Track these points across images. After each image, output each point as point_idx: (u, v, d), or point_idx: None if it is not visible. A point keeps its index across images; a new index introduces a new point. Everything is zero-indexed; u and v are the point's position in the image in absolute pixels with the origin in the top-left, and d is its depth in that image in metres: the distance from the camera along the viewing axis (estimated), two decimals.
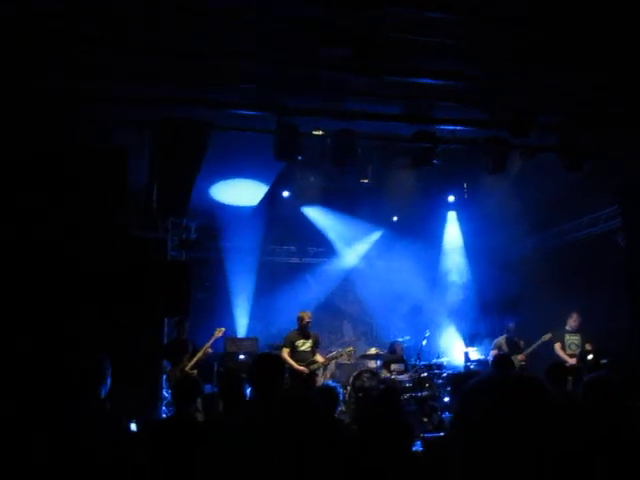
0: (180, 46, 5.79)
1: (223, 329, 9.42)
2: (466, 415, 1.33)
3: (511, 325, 10.24)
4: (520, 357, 9.78)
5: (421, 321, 11.29)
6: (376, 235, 12.37)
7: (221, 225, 11.21)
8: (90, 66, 5.86)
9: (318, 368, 9.44)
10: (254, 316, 11.70)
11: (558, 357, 9.34)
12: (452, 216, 12.05)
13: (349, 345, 10.47)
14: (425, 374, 9.79)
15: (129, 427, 7.28)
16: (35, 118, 5.83)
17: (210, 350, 9.03)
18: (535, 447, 1.22)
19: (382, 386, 9.13)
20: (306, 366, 9.14)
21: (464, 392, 1.38)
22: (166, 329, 10.48)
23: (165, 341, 10.14)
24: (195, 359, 8.80)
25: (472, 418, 1.31)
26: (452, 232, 12.19)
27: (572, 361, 9.33)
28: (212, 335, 9.26)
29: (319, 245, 12.38)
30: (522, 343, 10.07)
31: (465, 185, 10.78)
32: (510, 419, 1.25)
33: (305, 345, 9.34)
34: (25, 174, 5.66)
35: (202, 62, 6.09)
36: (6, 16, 5.07)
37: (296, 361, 9.11)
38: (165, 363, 9.02)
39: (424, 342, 10.48)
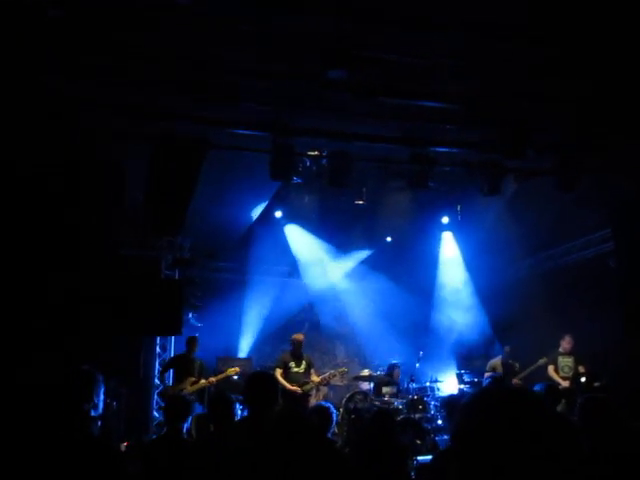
0: (181, 60, 5.83)
1: (237, 369, 9.30)
2: (465, 426, 1.33)
3: (507, 347, 10.22)
4: (515, 380, 9.73)
5: (415, 342, 11.23)
6: (368, 255, 12.33)
7: (215, 244, 11.20)
8: (90, 76, 5.87)
9: (311, 389, 9.38)
10: (249, 336, 11.64)
11: (551, 379, 9.32)
12: (447, 237, 12.01)
13: (342, 366, 10.40)
14: (418, 396, 9.73)
15: (119, 448, 7.21)
16: (33, 125, 5.83)
17: (214, 382, 8.91)
18: (533, 457, 1.21)
19: (375, 408, 9.07)
20: (299, 387, 9.09)
21: (463, 404, 1.38)
22: (157, 350, 10.43)
23: (159, 359, 10.09)
24: (197, 386, 8.71)
25: (471, 430, 1.31)
26: (449, 252, 12.12)
27: (565, 383, 9.30)
28: (224, 367, 9.21)
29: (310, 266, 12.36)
30: (517, 366, 10.03)
31: (459, 207, 10.83)
32: (508, 429, 1.24)
33: (298, 367, 9.30)
34: (22, 184, 5.65)
35: (201, 78, 6.12)
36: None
37: (289, 382, 9.06)
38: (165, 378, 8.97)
39: (417, 364, 10.44)
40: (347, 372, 10.30)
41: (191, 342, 9.07)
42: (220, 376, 9.04)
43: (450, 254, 12.12)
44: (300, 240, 11.72)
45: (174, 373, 9.01)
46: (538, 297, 10.71)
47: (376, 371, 10.51)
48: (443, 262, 12.25)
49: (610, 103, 6.69)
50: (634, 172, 8.05)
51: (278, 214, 10.93)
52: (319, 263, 12.19)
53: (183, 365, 8.91)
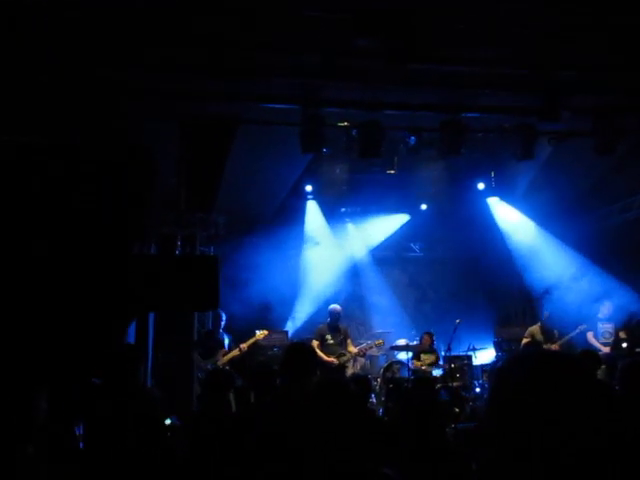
0: (208, 38, 5.82)
1: (265, 332, 9.35)
2: (500, 390, 1.32)
3: (545, 313, 10.06)
4: (554, 346, 9.62)
5: (452, 310, 11.15)
6: (403, 225, 12.20)
7: (249, 220, 11.26)
8: (122, 58, 5.91)
9: (347, 360, 9.43)
10: (285, 309, 11.73)
11: (591, 346, 9.21)
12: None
13: (378, 337, 10.42)
14: (456, 364, 9.72)
15: (164, 422, 7.38)
16: (68, 108, 5.91)
17: (245, 349, 9.00)
18: (569, 420, 1.19)
19: (413, 377, 9.11)
20: (335, 358, 9.16)
21: (498, 368, 1.37)
22: (196, 325, 10.58)
23: (196, 336, 10.24)
24: (229, 356, 8.79)
25: (506, 394, 1.30)
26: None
27: (606, 350, 9.18)
28: (253, 336, 9.22)
29: (346, 237, 12.37)
30: (556, 332, 9.90)
31: (492, 173, 10.66)
32: (543, 392, 1.23)
33: (334, 338, 9.35)
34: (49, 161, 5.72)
35: (228, 54, 6.10)
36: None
37: (325, 354, 9.13)
38: (197, 356, 9.09)
39: (454, 332, 10.39)
40: (383, 344, 10.33)
41: (215, 319, 9.23)
42: (249, 341, 9.05)
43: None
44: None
45: (204, 349, 9.12)
46: (576, 262, 10.54)
47: (412, 340, 10.52)
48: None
49: None
50: None
51: (309, 188, 10.96)
52: (347, 236, 12.22)
53: (210, 341, 9.06)
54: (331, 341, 9.33)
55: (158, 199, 8.25)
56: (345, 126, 7.89)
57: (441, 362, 10.04)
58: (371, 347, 9.96)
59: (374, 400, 9.19)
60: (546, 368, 1.27)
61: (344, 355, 9.28)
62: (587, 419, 1.20)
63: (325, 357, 9.06)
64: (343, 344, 9.41)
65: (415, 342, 10.42)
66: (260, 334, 9.20)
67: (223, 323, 9.15)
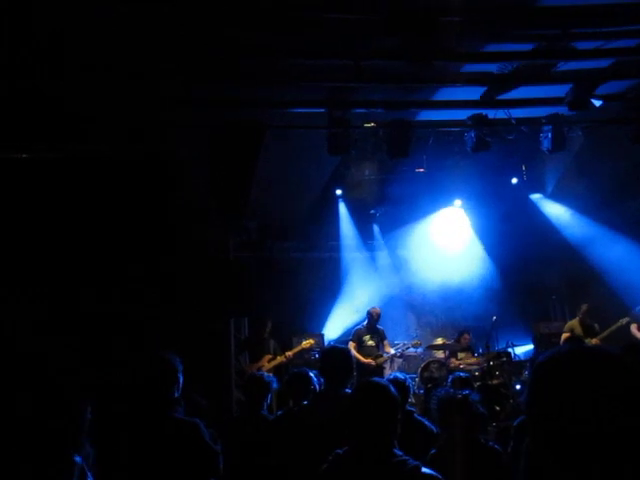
0: (233, 45, 5.87)
1: (312, 341, 9.42)
2: (538, 387, 1.30)
3: (584, 306, 9.86)
4: (594, 341, 9.43)
5: (488, 307, 11.00)
6: (435, 222, 12.07)
7: (282, 224, 11.30)
8: (151, 67, 6.00)
9: (385, 361, 9.42)
10: (321, 312, 11.72)
11: (634, 338, 9.00)
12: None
13: (415, 337, 10.37)
14: (494, 362, 9.60)
15: (205, 426, 7.45)
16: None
17: (291, 356, 9.01)
18: (610, 415, 1.17)
19: (451, 376, 9.01)
20: (372, 360, 9.14)
21: (537, 364, 1.36)
22: (232, 331, 10.66)
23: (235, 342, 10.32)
24: (274, 363, 8.81)
25: (545, 390, 1.28)
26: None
27: None
28: (299, 344, 9.31)
29: (376, 237, 12.35)
30: (597, 326, 9.70)
31: (524, 167, 10.51)
32: (583, 388, 1.21)
33: (372, 340, 9.34)
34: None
35: (252, 60, 6.15)
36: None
37: (363, 356, 9.13)
38: (242, 359, 9.16)
39: (491, 330, 10.26)
40: (421, 344, 10.28)
41: (261, 323, 9.26)
42: (295, 349, 9.13)
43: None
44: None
45: (250, 353, 9.18)
46: (615, 253, 10.31)
47: (450, 339, 10.44)
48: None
49: None
50: None
51: (339, 192, 10.98)
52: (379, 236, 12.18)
53: (258, 344, 9.08)
54: (369, 343, 9.33)
55: (189, 206, 8.35)
56: (372, 127, 7.88)
57: (478, 360, 9.94)
58: (408, 348, 9.92)
59: (413, 400, 9.13)
60: (586, 364, 1.25)
61: (381, 356, 9.26)
62: (631, 416, 1.17)
63: (362, 359, 9.06)
64: (380, 346, 9.40)
65: (452, 341, 10.33)
66: (306, 343, 9.29)
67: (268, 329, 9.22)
